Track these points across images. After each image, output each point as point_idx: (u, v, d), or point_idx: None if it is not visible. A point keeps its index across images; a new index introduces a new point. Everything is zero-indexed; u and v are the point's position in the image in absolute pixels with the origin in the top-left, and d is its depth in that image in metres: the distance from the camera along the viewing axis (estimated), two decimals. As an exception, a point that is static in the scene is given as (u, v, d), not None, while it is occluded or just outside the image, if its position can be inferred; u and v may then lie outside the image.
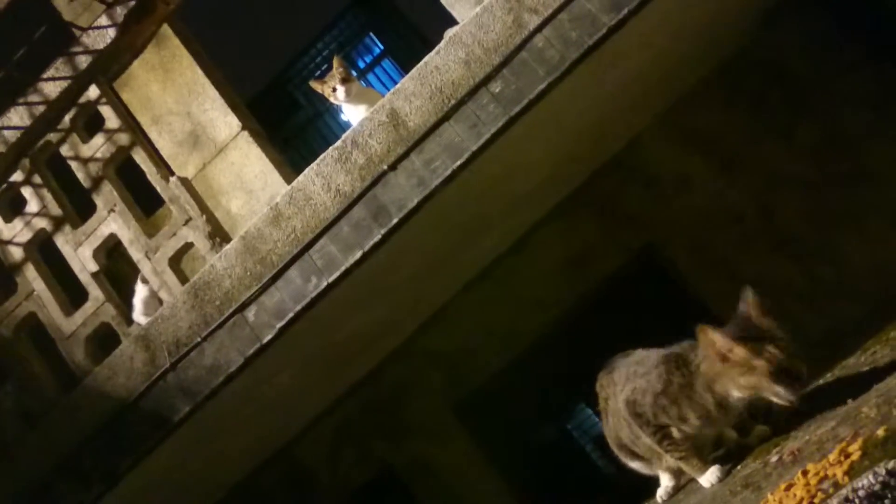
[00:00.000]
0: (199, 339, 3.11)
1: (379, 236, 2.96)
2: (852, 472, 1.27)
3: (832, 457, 1.36)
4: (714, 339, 1.93)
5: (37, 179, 3.69)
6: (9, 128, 3.76)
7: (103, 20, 3.82)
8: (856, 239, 3.69)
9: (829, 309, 3.67)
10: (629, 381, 2.29)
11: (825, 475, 1.33)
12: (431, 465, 4.12)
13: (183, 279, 3.42)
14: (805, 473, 1.39)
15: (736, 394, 1.97)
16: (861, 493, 1.19)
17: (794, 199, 3.80)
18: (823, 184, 3.78)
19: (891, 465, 1.18)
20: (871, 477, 1.19)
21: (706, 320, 3.78)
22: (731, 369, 1.94)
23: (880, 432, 1.35)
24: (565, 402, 4.73)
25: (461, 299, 4.09)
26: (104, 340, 3.52)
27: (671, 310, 3.95)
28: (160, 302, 3.44)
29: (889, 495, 1.17)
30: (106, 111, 3.66)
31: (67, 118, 3.68)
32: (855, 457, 1.32)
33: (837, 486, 1.26)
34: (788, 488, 1.38)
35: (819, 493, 1.28)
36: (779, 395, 1.86)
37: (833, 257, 3.72)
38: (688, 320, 3.94)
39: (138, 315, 3.52)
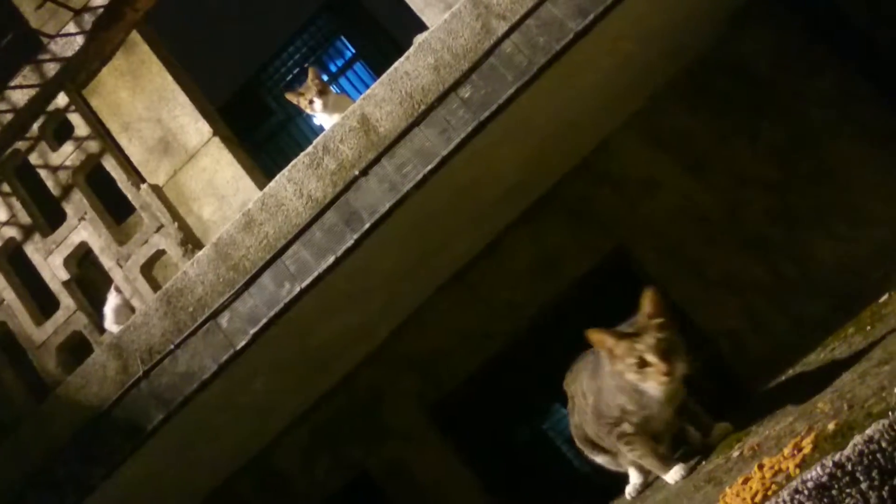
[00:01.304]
0: (172, 347, 3.10)
1: (351, 241, 2.98)
2: (804, 465, 1.32)
3: (786, 451, 1.41)
4: (599, 339, 2.03)
5: (5, 188, 3.67)
6: (-24, 137, 3.74)
7: (71, 27, 3.81)
8: (820, 237, 3.77)
9: (794, 306, 3.74)
10: (592, 380, 2.34)
11: (779, 468, 1.38)
12: (407, 468, 4.13)
13: (155, 287, 3.41)
14: (761, 467, 1.43)
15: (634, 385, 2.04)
16: (810, 484, 1.23)
17: (760, 199, 3.86)
18: (788, 183, 3.84)
19: (837, 457, 1.23)
20: (818, 469, 1.24)
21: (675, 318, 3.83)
22: (619, 364, 2.01)
23: (831, 426, 1.40)
24: (540, 403, 4.76)
25: (435, 302, 4.11)
26: (76, 349, 3.51)
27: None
28: (132, 310, 3.43)
29: (836, 486, 1.22)
30: (75, 119, 3.64)
31: (36, 126, 3.67)
32: (807, 450, 1.37)
33: (789, 478, 1.31)
34: (745, 482, 1.43)
35: (773, 486, 1.33)
36: (646, 388, 1.96)
37: (798, 255, 3.79)
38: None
39: (110, 324, 3.50)
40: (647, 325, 2.00)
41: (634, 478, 2.40)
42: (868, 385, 1.52)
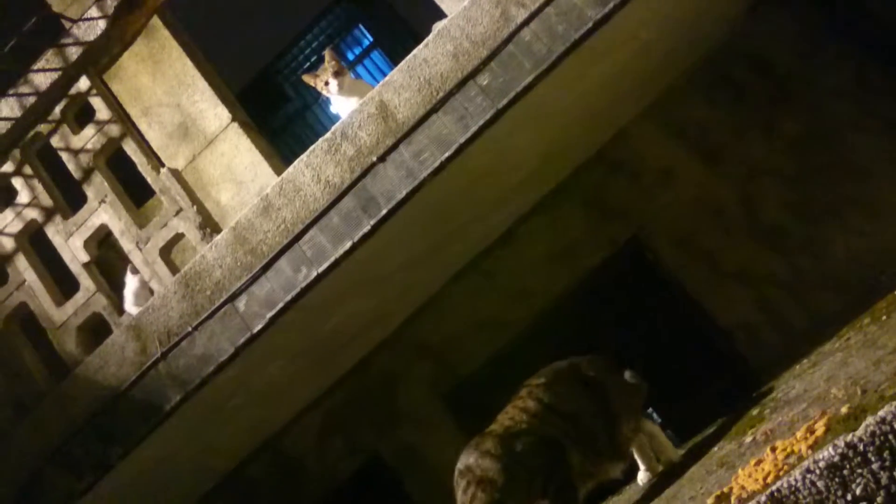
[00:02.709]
0: (189, 329, 3.14)
1: (368, 227, 3.00)
2: (816, 447, 1.33)
3: (799, 434, 1.42)
4: None
5: (27, 170, 3.70)
6: (-1, 119, 3.79)
7: (93, 11, 3.83)
8: (836, 231, 3.75)
9: (810, 299, 3.73)
10: None
11: (791, 451, 1.39)
12: (420, 454, 4.15)
13: (174, 270, 3.45)
14: (773, 450, 1.44)
15: None
16: (822, 464, 1.24)
17: (777, 191, 3.85)
18: (805, 176, 3.83)
19: (849, 437, 1.24)
20: (830, 449, 1.25)
21: (692, 313, 3.83)
22: None
23: (844, 409, 1.40)
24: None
25: (450, 290, 4.12)
26: (95, 330, 3.55)
27: (655, 301, 4.02)
28: (151, 292, 3.46)
29: (847, 466, 1.23)
30: (96, 102, 3.67)
31: (58, 109, 3.70)
32: (819, 432, 1.37)
33: (802, 460, 1.32)
34: (758, 464, 1.44)
35: (785, 467, 1.34)
36: None
37: (814, 249, 3.77)
38: (670, 311, 4.00)
39: (129, 305, 3.54)
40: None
41: (645, 465, 2.42)
42: (882, 371, 1.52)
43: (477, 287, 4.14)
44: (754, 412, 2.06)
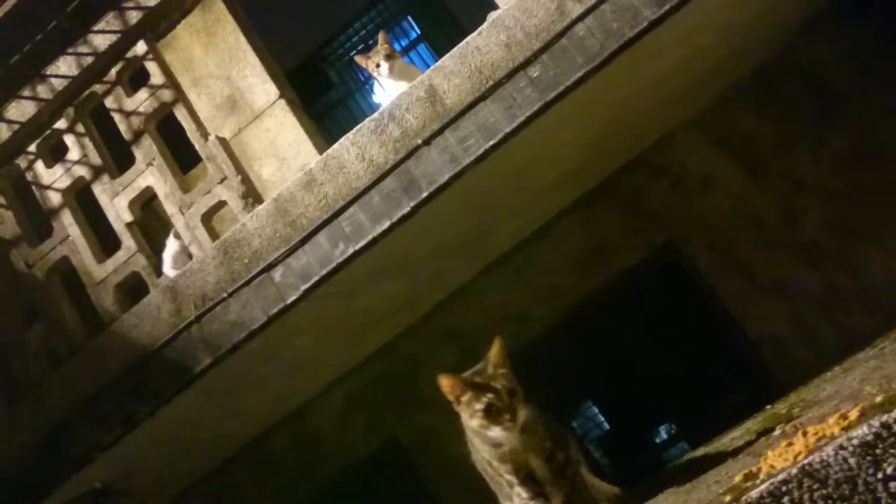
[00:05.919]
0: (225, 295, 3.19)
1: (408, 208, 3.03)
2: (849, 429, 1.34)
3: (831, 420, 1.43)
4: (447, 385, 2.10)
5: (80, 128, 3.78)
6: (56, 76, 3.87)
7: (155, -23, 3.91)
8: (876, 251, 3.72)
9: (844, 317, 3.70)
10: None
11: (823, 434, 1.40)
12: (438, 440, 4.17)
13: (214, 236, 3.51)
14: (805, 434, 1.45)
15: (481, 431, 2.17)
16: (855, 441, 1.25)
17: (819, 207, 3.83)
18: (849, 194, 3.80)
19: (884, 418, 1.24)
20: (865, 427, 1.26)
21: (721, 322, 3.81)
22: (464, 411, 2.16)
23: (878, 399, 1.40)
24: (572, 400, 4.74)
25: (480, 280, 4.14)
26: (133, 289, 3.62)
27: (686, 307, 4.01)
28: (190, 256, 3.53)
29: (881, 445, 1.24)
30: (152, 67, 3.74)
31: (114, 71, 3.78)
32: (853, 418, 1.38)
33: (833, 439, 1.33)
34: (789, 445, 1.45)
35: (817, 448, 1.34)
36: (494, 432, 2.12)
37: (852, 267, 3.75)
38: (701, 319, 3.98)
39: (168, 268, 3.61)
40: (495, 375, 2.08)
41: None
42: (917, 370, 1.52)
43: (507, 280, 4.16)
44: (782, 411, 2.06)
